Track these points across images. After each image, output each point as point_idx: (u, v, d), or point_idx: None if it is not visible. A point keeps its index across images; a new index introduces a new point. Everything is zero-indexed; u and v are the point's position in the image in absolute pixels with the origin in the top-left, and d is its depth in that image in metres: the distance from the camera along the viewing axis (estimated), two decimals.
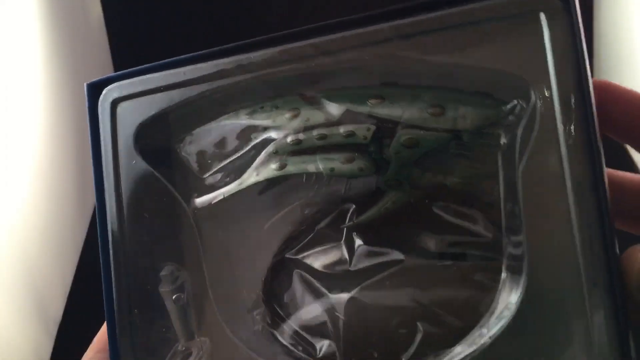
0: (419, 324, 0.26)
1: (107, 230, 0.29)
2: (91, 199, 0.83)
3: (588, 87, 0.23)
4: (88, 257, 0.78)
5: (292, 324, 0.28)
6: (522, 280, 0.23)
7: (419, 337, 0.25)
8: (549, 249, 0.23)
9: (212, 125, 0.31)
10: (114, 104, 0.30)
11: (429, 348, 0.25)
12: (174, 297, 0.28)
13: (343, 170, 0.29)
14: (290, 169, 0.30)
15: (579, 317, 0.22)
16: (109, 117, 0.30)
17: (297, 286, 0.29)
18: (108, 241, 0.29)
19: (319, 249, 0.29)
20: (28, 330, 0.64)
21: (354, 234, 0.29)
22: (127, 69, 0.34)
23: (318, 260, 0.29)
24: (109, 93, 0.31)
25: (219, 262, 0.29)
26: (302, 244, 0.29)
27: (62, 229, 0.75)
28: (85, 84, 0.30)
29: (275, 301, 0.28)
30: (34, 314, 0.66)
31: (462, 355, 0.23)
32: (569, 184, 0.23)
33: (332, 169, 0.29)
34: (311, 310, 0.28)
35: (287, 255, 0.29)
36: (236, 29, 0.97)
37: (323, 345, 0.27)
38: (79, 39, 0.83)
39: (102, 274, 0.29)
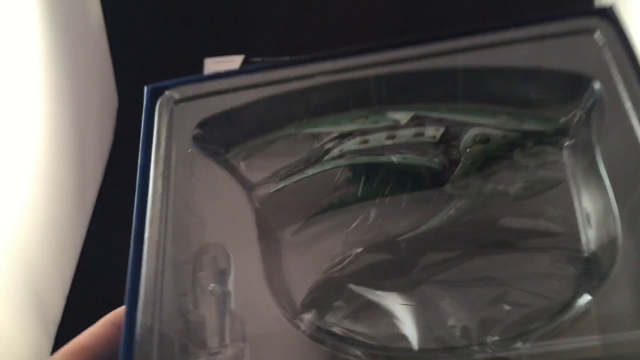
0: (504, 305, 0.24)
1: (145, 209, 0.27)
2: (91, 199, 0.83)
3: None
4: (88, 257, 0.78)
5: (346, 325, 0.25)
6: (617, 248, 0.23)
7: (505, 314, 0.24)
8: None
9: (270, 136, 0.31)
10: (174, 104, 0.31)
11: (519, 326, 0.23)
12: (210, 286, 0.26)
13: (415, 160, 0.28)
14: (363, 159, 0.29)
15: None
16: (168, 115, 0.31)
17: (351, 294, 0.27)
18: (145, 220, 0.27)
19: (373, 261, 0.27)
20: (27, 330, 0.64)
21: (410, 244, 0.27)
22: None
23: (373, 270, 0.27)
24: (170, 94, 0.32)
25: (268, 258, 0.27)
26: (353, 262, 0.27)
27: (62, 229, 0.75)
28: (145, 87, 0.32)
29: (325, 310, 0.26)
30: (33, 314, 0.66)
31: (560, 320, 0.22)
32: None
33: (404, 158, 0.28)
34: (370, 311, 0.26)
35: (336, 274, 0.27)
36: (237, 29, 0.97)
37: (392, 337, 0.25)
38: (78, 39, 0.83)
39: (131, 252, 0.26)
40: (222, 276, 0.26)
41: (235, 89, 0.31)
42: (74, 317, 0.72)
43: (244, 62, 0.94)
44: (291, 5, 0.97)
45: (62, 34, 0.77)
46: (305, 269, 0.28)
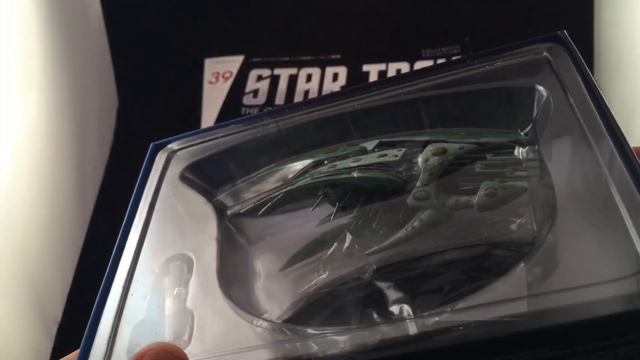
0: (444, 285, 0.25)
1: (127, 234, 0.31)
2: (91, 199, 0.83)
3: (595, 86, 0.27)
4: (88, 257, 0.78)
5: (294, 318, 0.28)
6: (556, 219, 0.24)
7: (444, 293, 0.25)
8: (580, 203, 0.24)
9: (252, 178, 0.34)
10: (172, 153, 0.35)
11: (454, 298, 0.24)
12: (175, 290, 0.28)
13: (375, 174, 0.30)
14: (323, 178, 0.31)
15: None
16: (164, 161, 0.35)
17: (308, 297, 0.29)
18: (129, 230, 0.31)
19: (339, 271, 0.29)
20: (28, 330, 0.64)
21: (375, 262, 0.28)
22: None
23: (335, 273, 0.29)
24: (170, 146, 0.36)
25: (235, 270, 0.30)
26: (319, 285, 0.29)
27: (62, 229, 0.75)
28: (151, 144, 0.36)
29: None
30: (34, 314, 0.66)
31: (491, 287, 0.23)
32: (594, 147, 0.25)
33: (363, 172, 0.31)
34: (319, 307, 0.28)
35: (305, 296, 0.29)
36: (237, 29, 0.97)
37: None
38: (78, 39, 0.83)
39: (109, 264, 0.29)
40: (187, 282, 0.29)
41: (226, 135, 0.35)
42: (74, 317, 0.72)
43: (244, 62, 0.94)
44: (291, 6, 0.97)
45: (62, 34, 0.77)
46: (265, 274, 0.30)
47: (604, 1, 0.84)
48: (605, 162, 0.24)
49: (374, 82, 0.33)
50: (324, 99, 0.34)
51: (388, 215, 0.29)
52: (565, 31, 0.31)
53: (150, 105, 0.92)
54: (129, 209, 0.32)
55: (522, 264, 0.23)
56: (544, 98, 0.29)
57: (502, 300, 0.21)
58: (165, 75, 0.95)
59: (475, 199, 0.28)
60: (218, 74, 0.93)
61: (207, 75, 0.94)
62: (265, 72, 0.93)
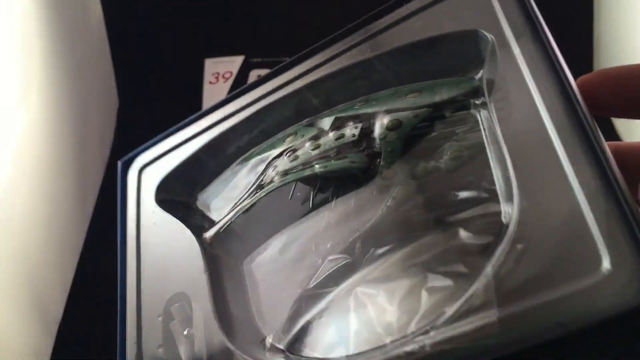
0: (423, 292, 0.24)
1: (125, 283, 0.31)
2: (91, 199, 0.84)
3: (540, 24, 0.25)
4: (88, 257, 0.78)
5: (290, 346, 0.27)
6: (516, 207, 0.22)
7: (424, 298, 0.24)
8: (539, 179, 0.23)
9: (225, 175, 0.34)
10: (140, 170, 0.35)
11: (437, 306, 0.23)
12: (185, 331, 0.28)
13: (337, 165, 0.30)
14: (290, 177, 0.31)
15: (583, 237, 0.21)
16: (135, 182, 0.34)
17: (299, 310, 0.28)
18: (126, 291, 0.30)
19: (331, 271, 0.28)
20: (28, 330, 0.64)
21: (361, 242, 0.28)
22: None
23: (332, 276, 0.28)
24: (137, 163, 0.35)
25: (230, 295, 0.30)
26: (314, 277, 0.29)
27: (62, 229, 0.75)
28: (119, 162, 0.35)
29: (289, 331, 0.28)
30: (34, 314, 0.66)
31: (471, 292, 0.22)
32: (543, 113, 0.23)
33: (325, 166, 0.30)
34: (322, 323, 0.27)
35: (303, 293, 0.29)
36: (237, 29, 0.97)
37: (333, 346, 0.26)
38: (79, 39, 0.83)
39: (118, 323, 0.29)
40: (191, 321, 0.28)
41: (187, 140, 0.34)
42: (74, 317, 0.72)
43: (244, 62, 0.94)
44: (291, 6, 0.98)
45: (62, 34, 0.77)
46: (265, 293, 0.30)
47: (604, 1, 0.84)
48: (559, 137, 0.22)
49: (311, 50, 0.33)
50: (268, 77, 0.34)
51: (365, 195, 0.29)
52: None
53: (150, 105, 0.92)
54: (119, 245, 0.32)
55: (491, 273, 0.22)
56: (489, 44, 0.26)
57: (478, 318, 0.21)
58: (166, 75, 0.95)
59: (442, 163, 0.27)
60: (218, 75, 0.93)
61: (207, 76, 0.94)
62: (265, 72, 0.93)
